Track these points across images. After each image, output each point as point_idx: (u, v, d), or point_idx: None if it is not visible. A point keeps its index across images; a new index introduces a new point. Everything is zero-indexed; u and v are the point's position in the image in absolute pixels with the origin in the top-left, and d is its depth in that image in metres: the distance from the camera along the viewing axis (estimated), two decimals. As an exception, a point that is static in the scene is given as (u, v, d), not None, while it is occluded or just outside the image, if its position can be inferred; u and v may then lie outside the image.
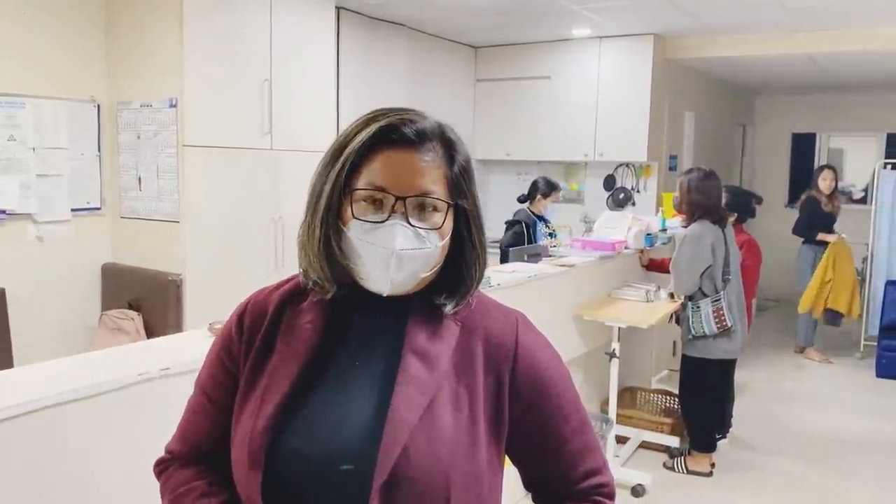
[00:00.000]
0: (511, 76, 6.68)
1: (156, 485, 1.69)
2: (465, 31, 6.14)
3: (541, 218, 5.27)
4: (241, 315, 1.15)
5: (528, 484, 1.18)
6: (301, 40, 4.54)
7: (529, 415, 1.10)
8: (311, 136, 4.51)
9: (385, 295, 1.05)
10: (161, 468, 1.19)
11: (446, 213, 1.06)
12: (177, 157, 3.95)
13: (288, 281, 1.17)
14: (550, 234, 5.18)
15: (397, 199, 1.03)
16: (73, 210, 4.07)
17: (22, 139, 3.82)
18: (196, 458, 1.16)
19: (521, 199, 5.43)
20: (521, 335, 1.12)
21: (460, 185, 1.08)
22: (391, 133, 1.05)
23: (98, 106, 4.14)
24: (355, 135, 1.06)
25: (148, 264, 4.10)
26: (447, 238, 1.07)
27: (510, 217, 5.38)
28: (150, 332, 3.99)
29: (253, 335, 1.12)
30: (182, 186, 3.96)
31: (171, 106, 3.93)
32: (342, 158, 1.05)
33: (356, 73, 5.19)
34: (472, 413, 1.05)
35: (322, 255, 1.07)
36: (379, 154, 1.04)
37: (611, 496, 1.15)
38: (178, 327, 3.92)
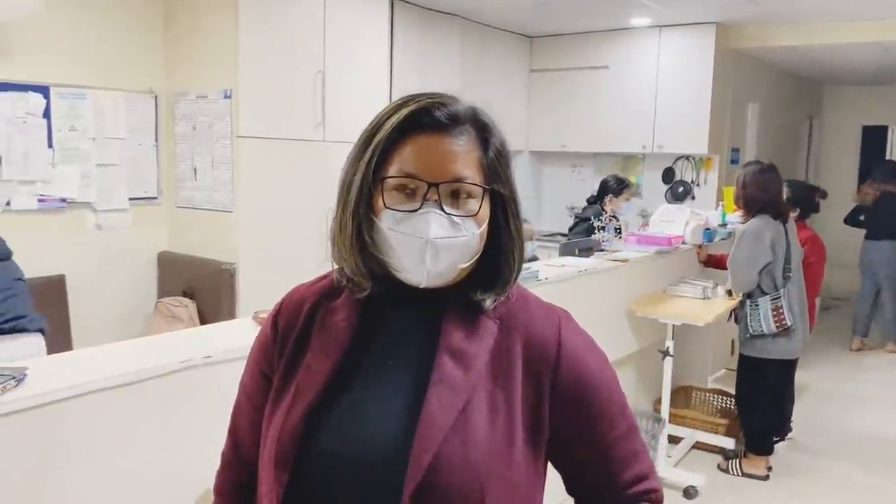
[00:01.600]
0: (567, 66, 6.56)
1: (195, 471, 1.71)
2: (521, 20, 6.05)
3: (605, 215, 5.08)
4: (275, 316, 1.13)
5: (572, 489, 1.13)
6: (355, 31, 4.54)
7: (572, 420, 1.05)
8: (363, 128, 4.49)
9: (422, 287, 1.01)
10: (216, 484, 1.21)
11: (482, 199, 1.01)
12: (231, 148, 4.00)
13: (323, 278, 1.14)
14: (616, 230, 5.02)
15: (430, 185, 0.98)
16: (130, 199, 4.16)
17: (83, 130, 3.92)
18: (244, 475, 1.16)
19: (591, 200, 5.28)
20: (564, 336, 1.06)
21: (496, 169, 1.03)
22: (422, 117, 1.00)
23: (156, 97, 4.22)
24: (385, 121, 1.02)
25: (202, 253, 4.17)
26: (484, 225, 1.02)
27: (565, 210, 5.26)
28: (204, 320, 4.06)
29: (287, 335, 1.09)
30: (236, 177, 4.01)
31: (226, 97, 3.98)
32: (371, 146, 1.02)
33: (409, 65, 5.17)
34: (509, 416, 1.00)
35: (355, 249, 1.03)
36: (410, 140, 1.00)
37: (658, 502, 1.10)
38: (230, 315, 3.98)
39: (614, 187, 5.15)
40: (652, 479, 1.10)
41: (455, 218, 0.99)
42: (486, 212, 1.02)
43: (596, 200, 5.22)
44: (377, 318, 1.07)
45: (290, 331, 1.09)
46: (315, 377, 1.03)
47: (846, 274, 7.35)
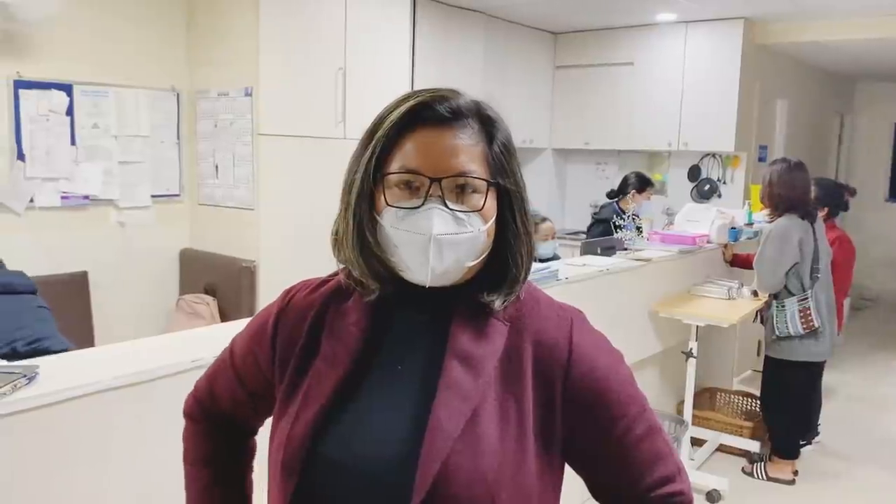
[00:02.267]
0: (592, 62, 6.49)
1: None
2: (545, 16, 6.00)
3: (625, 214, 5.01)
4: (279, 314, 1.10)
5: (595, 493, 1.09)
6: (376, 29, 4.52)
7: (588, 424, 1.01)
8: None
9: (427, 286, 0.97)
10: (188, 418, 1.25)
11: (486, 194, 0.98)
12: (252, 146, 4.01)
13: (332, 277, 1.11)
14: (637, 228, 4.95)
15: (432, 181, 0.95)
16: (152, 196, 4.19)
17: (105, 127, 3.94)
18: (218, 419, 1.22)
19: (611, 195, 5.21)
20: (576, 337, 1.02)
21: (501, 163, 1.00)
22: (423, 112, 0.97)
23: (177, 95, 4.24)
24: (386, 117, 0.99)
25: (224, 250, 4.18)
26: (491, 221, 0.99)
27: (588, 207, 5.20)
28: (225, 317, 4.07)
29: (292, 340, 1.07)
30: (257, 174, 4.01)
31: (247, 95, 3.98)
32: (372, 143, 0.99)
33: (431, 62, 5.14)
34: (519, 423, 0.97)
35: (356, 249, 1.00)
36: (411, 136, 0.97)
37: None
38: (251, 312, 3.96)
39: (635, 184, 5.08)
40: (679, 482, 1.05)
41: (459, 214, 0.96)
42: (492, 207, 0.99)
43: (616, 196, 5.15)
44: (387, 320, 1.04)
45: (296, 334, 1.07)
46: (324, 384, 1.00)
47: (880, 274, 7.20)
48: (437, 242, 0.95)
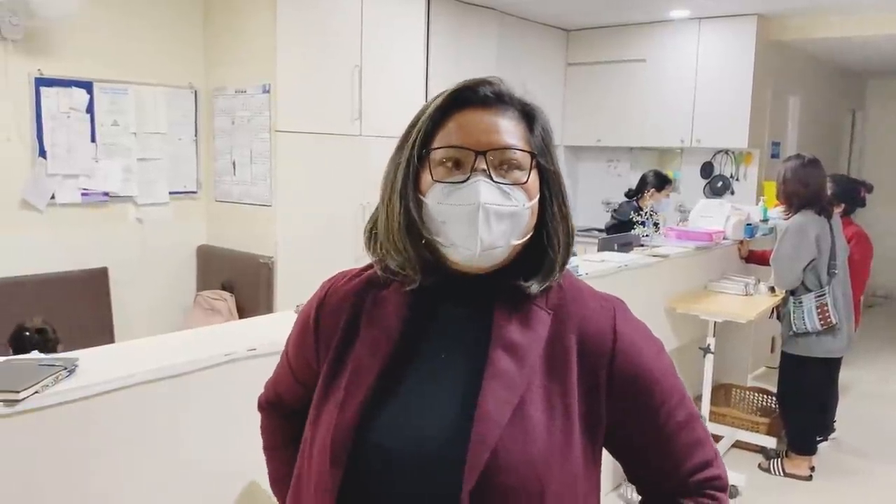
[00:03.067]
0: (604, 59, 6.49)
1: (238, 464, 1.72)
2: (558, 13, 6.00)
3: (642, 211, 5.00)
4: (318, 306, 1.12)
5: (634, 478, 1.11)
6: (391, 26, 4.53)
7: (631, 412, 1.03)
8: (399, 122, 4.40)
9: (475, 262, 0.98)
10: (261, 409, 1.34)
11: (530, 171, 0.99)
12: (269, 143, 4.02)
13: (367, 268, 1.12)
14: (655, 225, 4.93)
15: (477, 154, 0.97)
16: (170, 193, 4.21)
17: (124, 124, 3.97)
18: (285, 411, 1.27)
19: (629, 195, 5.20)
20: (620, 326, 1.04)
21: (542, 146, 1.02)
22: (466, 94, 1.00)
23: (195, 92, 4.26)
24: (429, 105, 1.02)
25: (241, 247, 4.20)
26: (535, 200, 1.00)
27: (600, 205, 5.18)
28: (242, 313, 4.09)
29: (332, 329, 1.08)
30: (274, 171, 4.03)
31: (265, 92, 4.00)
32: (417, 126, 1.01)
33: (445, 59, 5.15)
34: (565, 411, 0.98)
35: (403, 233, 1.01)
36: (454, 117, 1.00)
37: (724, 489, 1.08)
38: (269, 308, 4.00)
39: (654, 182, 5.07)
40: (716, 466, 1.07)
41: (504, 187, 0.97)
42: (535, 185, 1.01)
43: (635, 195, 5.15)
44: (428, 310, 1.05)
45: (336, 323, 1.08)
46: (367, 372, 1.01)
47: (892, 270, 7.18)
48: (484, 210, 0.96)
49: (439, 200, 0.98)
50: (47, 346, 2.73)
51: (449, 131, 0.99)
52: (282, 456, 1.27)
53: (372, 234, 1.07)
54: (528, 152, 0.99)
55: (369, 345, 1.03)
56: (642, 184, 5.14)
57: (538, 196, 1.01)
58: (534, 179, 1.00)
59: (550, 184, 1.02)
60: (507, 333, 1.00)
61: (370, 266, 1.12)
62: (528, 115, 1.02)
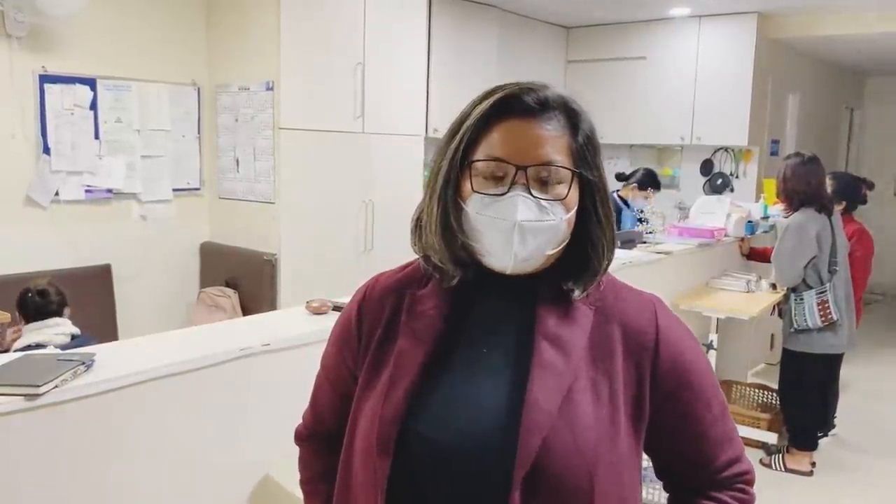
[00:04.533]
0: (604, 57, 6.50)
1: (253, 456, 1.74)
2: (558, 10, 6.01)
3: (627, 204, 5.00)
4: (360, 303, 1.13)
5: (663, 473, 1.13)
6: (394, 24, 4.54)
7: (670, 404, 1.05)
8: (401, 119, 4.52)
9: (508, 272, 1.00)
10: (298, 441, 1.26)
11: (570, 184, 1.00)
12: (272, 140, 4.03)
13: (407, 266, 1.14)
14: (640, 220, 4.92)
15: (518, 169, 0.98)
16: (174, 190, 4.22)
17: (128, 121, 3.97)
18: (323, 438, 1.21)
19: (620, 177, 5.15)
20: (661, 321, 1.06)
21: (584, 155, 1.02)
22: (511, 103, 1.00)
23: (198, 89, 4.26)
24: (474, 109, 1.02)
25: (244, 244, 4.21)
26: (573, 211, 1.01)
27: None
28: (246, 310, 4.10)
29: (374, 323, 1.09)
30: (277, 168, 4.03)
31: (268, 89, 4.00)
32: (460, 133, 1.01)
33: (447, 56, 5.16)
34: (612, 402, 1.00)
35: (439, 234, 1.03)
36: (498, 125, 1.00)
37: (751, 483, 1.10)
38: (272, 305, 4.01)
39: (641, 179, 5.00)
40: (744, 462, 1.10)
41: (543, 202, 0.98)
42: (574, 197, 1.01)
43: (624, 179, 5.04)
44: (467, 305, 1.06)
45: (377, 319, 1.09)
46: (409, 365, 1.02)
47: (890, 269, 7.21)
48: (520, 228, 0.97)
49: (478, 210, 0.99)
50: (48, 308, 2.74)
51: (492, 142, 1.00)
52: (315, 490, 1.22)
53: (417, 226, 1.09)
54: (569, 169, 1.00)
55: (412, 338, 1.05)
56: (631, 175, 5.06)
57: (577, 206, 1.02)
58: (574, 191, 1.01)
59: (594, 191, 1.03)
60: (552, 327, 1.01)
61: (409, 265, 1.14)
62: (573, 122, 1.02)
